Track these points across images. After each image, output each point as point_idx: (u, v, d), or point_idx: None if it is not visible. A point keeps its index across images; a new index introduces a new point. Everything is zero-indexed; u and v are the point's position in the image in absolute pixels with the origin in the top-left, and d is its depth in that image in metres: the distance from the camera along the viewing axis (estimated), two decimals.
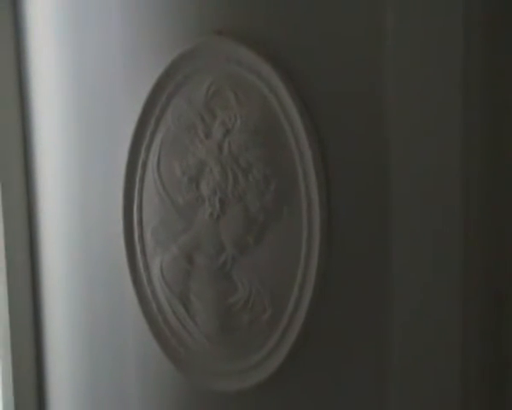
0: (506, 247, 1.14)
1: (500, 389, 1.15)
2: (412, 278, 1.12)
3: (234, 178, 1.24)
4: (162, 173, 1.31)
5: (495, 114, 1.12)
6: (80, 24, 1.43)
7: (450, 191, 1.09)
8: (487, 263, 1.13)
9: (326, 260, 1.18)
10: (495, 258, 1.14)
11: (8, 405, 1.62)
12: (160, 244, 1.33)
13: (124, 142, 1.34)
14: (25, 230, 1.62)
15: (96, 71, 1.41)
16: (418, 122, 1.10)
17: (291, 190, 1.20)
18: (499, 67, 1.11)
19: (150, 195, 1.33)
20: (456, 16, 1.06)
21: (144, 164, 1.33)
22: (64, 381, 1.59)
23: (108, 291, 1.44)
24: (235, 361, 1.27)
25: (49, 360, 1.63)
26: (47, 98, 1.54)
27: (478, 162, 1.10)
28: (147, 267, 1.35)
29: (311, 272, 1.19)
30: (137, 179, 1.34)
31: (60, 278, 1.56)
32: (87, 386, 1.53)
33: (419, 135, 1.10)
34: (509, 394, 1.15)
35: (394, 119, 1.11)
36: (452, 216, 1.09)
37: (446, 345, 1.11)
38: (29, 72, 1.57)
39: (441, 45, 1.07)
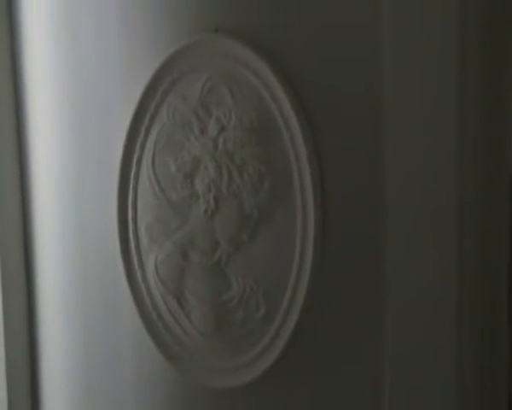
0: (502, 245, 1.14)
1: (496, 388, 1.16)
2: (407, 277, 1.12)
3: (228, 175, 1.24)
4: (157, 170, 1.31)
5: (491, 111, 1.12)
6: (76, 20, 1.42)
7: (445, 190, 1.09)
8: (483, 261, 1.14)
9: (320, 258, 1.19)
10: (491, 257, 1.14)
11: (0, 402, 1.62)
12: (154, 241, 1.33)
13: (118, 138, 1.34)
14: (19, 228, 1.61)
15: (91, 67, 1.40)
16: (414, 121, 1.10)
17: (285, 188, 1.20)
18: (498, 63, 1.11)
19: (145, 191, 1.33)
20: (453, 13, 1.06)
21: (139, 160, 1.33)
22: (58, 377, 1.59)
23: (103, 288, 1.44)
24: (230, 358, 1.28)
25: (43, 357, 1.63)
26: (41, 94, 1.53)
27: (473, 161, 1.11)
28: (141, 264, 1.35)
29: (305, 270, 1.20)
30: (132, 176, 1.34)
31: (54, 274, 1.56)
32: (81, 382, 1.53)
33: (415, 133, 1.10)
34: (506, 393, 1.16)
35: (390, 117, 1.11)
36: (448, 216, 1.09)
37: (441, 345, 1.11)
38: (23, 68, 1.56)
39: (438, 41, 1.07)
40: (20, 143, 1.60)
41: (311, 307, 1.20)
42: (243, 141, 1.22)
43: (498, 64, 1.11)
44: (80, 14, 1.41)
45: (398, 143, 1.11)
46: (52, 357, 1.60)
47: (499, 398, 1.16)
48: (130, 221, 1.35)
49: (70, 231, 1.50)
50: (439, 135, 1.08)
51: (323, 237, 1.18)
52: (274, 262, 1.22)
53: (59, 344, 1.57)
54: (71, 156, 1.47)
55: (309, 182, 1.17)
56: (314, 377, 1.22)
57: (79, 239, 1.48)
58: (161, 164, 1.30)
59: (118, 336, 1.43)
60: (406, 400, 1.14)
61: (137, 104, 1.30)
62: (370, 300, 1.16)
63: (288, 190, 1.20)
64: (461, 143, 1.08)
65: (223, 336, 1.28)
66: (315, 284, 1.19)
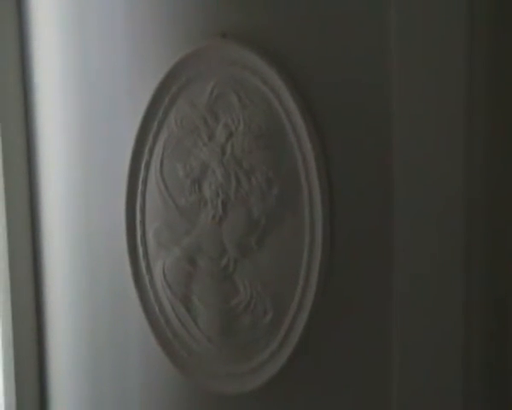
0: (508, 247, 1.14)
1: (502, 390, 1.15)
2: (415, 281, 1.11)
3: (236, 181, 1.24)
4: (165, 175, 1.32)
5: (500, 108, 1.11)
6: (84, 26, 1.43)
7: (454, 190, 1.08)
8: (489, 264, 1.13)
9: (328, 263, 1.18)
10: (497, 259, 1.14)
11: (10, 404, 1.62)
12: (162, 246, 1.33)
13: (127, 143, 1.34)
14: (27, 231, 1.62)
15: (99, 72, 1.41)
16: (422, 120, 1.09)
17: (293, 194, 1.20)
18: (504, 62, 1.10)
19: (153, 196, 1.34)
20: (460, 8, 1.06)
21: (147, 166, 1.34)
22: (66, 384, 1.59)
23: (110, 292, 1.44)
24: (237, 364, 1.28)
25: (51, 361, 1.63)
26: (50, 101, 1.54)
27: (482, 157, 1.10)
28: (149, 269, 1.35)
29: (313, 275, 1.19)
30: (140, 181, 1.35)
31: (62, 279, 1.56)
32: (88, 387, 1.53)
33: (423, 134, 1.09)
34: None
35: (398, 119, 1.11)
36: (456, 215, 1.09)
37: (449, 348, 1.11)
38: (33, 73, 1.58)
39: (445, 38, 1.06)
40: (29, 147, 1.60)
41: (319, 312, 1.19)
42: (251, 146, 1.22)
43: (507, 61, 1.10)
44: (88, 21, 1.42)
45: (406, 144, 1.10)
46: (60, 362, 1.61)
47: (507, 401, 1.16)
48: (138, 226, 1.35)
49: (78, 236, 1.50)
50: (448, 133, 1.08)
51: (331, 241, 1.18)
52: (282, 268, 1.22)
53: (66, 349, 1.58)
54: (79, 161, 1.48)
55: (317, 187, 1.17)
56: (322, 383, 1.21)
57: (88, 244, 1.48)
58: (169, 169, 1.30)
59: (125, 341, 1.43)
60: (414, 403, 1.13)
61: (146, 110, 1.30)
62: (378, 303, 1.15)
63: (296, 195, 1.19)
64: (469, 139, 1.07)
65: (230, 342, 1.28)
66: (323, 289, 1.19)
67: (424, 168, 1.10)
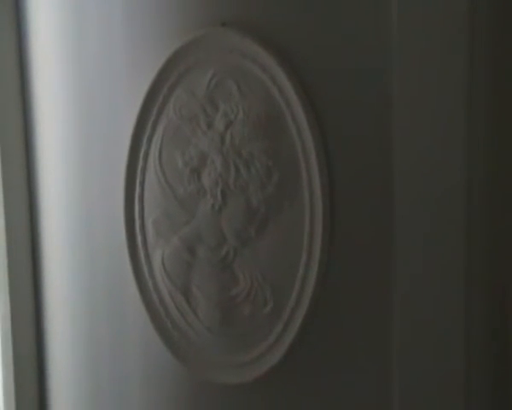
0: (509, 241, 1.13)
1: (503, 386, 1.15)
2: (415, 271, 1.11)
3: (236, 170, 1.23)
4: (164, 165, 1.31)
5: (500, 114, 1.11)
6: (81, 12, 1.42)
7: (453, 185, 1.08)
8: (491, 259, 1.13)
9: (328, 252, 1.18)
10: (498, 254, 1.13)
11: (9, 399, 1.62)
12: (161, 236, 1.33)
13: (126, 132, 1.33)
14: (26, 223, 1.62)
15: (98, 60, 1.40)
16: (423, 108, 1.09)
17: (293, 183, 1.19)
18: (505, 59, 1.10)
19: (152, 186, 1.33)
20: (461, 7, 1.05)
21: (146, 155, 1.33)
22: (65, 373, 1.59)
23: (109, 283, 1.44)
24: (237, 354, 1.27)
25: (50, 354, 1.63)
26: (48, 87, 1.53)
27: (481, 157, 1.10)
28: (148, 259, 1.34)
29: (313, 264, 1.19)
30: (139, 170, 1.34)
31: (60, 270, 1.56)
32: (88, 378, 1.53)
33: (424, 121, 1.09)
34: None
35: (398, 109, 1.10)
36: (455, 211, 1.09)
37: (449, 342, 1.11)
38: (30, 61, 1.57)
39: (446, 24, 1.06)
40: (27, 139, 1.60)
41: (319, 301, 1.19)
42: (250, 135, 1.22)
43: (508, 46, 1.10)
44: (86, 9, 1.41)
45: (407, 131, 1.10)
46: (59, 353, 1.60)
47: (507, 395, 1.16)
48: (136, 216, 1.35)
49: (77, 227, 1.50)
50: (449, 121, 1.07)
51: (331, 230, 1.17)
52: (281, 257, 1.21)
53: (66, 340, 1.57)
54: (77, 152, 1.47)
55: (316, 176, 1.17)
56: (322, 373, 1.21)
57: (86, 235, 1.48)
58: (168, 159, 1.30)
59: (124, 331, 1.42)
60: (415, 395, 1.13)
61: (144, 99, 1.30)
62: (379, 294, 1.15)
63: (296, 184, 1.19)
64: (470, 129, 1.07)
65: (230, 332, 1.27)
66: (323, 278, 1.18)
67: (424, 154, 1.10)
